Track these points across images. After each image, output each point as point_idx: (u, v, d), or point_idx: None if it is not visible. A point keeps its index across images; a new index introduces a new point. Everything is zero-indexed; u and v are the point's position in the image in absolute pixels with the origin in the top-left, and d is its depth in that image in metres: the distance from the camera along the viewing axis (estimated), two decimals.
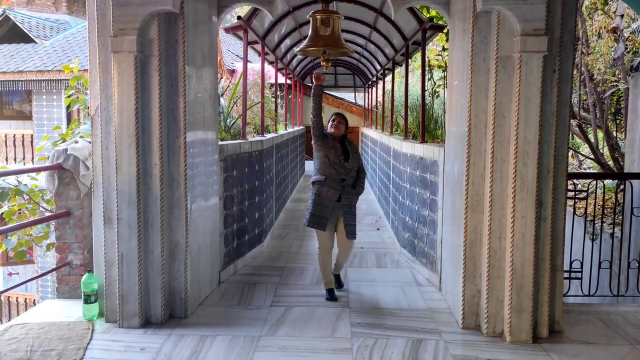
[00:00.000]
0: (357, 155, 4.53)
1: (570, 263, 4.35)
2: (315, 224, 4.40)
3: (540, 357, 3.42)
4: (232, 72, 14.77)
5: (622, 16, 6.69)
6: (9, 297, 12.45)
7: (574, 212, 4.95)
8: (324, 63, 4.39)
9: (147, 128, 3.74)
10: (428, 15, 6.76)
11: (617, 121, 8.66)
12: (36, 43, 15.07)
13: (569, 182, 4.04)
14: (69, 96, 6.26)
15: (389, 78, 10.76)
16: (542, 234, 3.61)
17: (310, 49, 4.28)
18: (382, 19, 6.94)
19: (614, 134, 8.18)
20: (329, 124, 4.48)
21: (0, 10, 15.29)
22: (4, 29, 15.59)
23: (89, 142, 4.17)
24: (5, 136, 13.57)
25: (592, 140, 7.70)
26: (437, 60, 8.64)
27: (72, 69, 6.42)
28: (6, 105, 15.15)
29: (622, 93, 7.49)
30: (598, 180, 5.02)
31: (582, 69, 7.66)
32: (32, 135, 13.85)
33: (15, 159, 13.29)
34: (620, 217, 5.54)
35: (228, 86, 9.70)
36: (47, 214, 5.87)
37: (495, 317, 3.70)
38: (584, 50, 7.61)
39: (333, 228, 4.49)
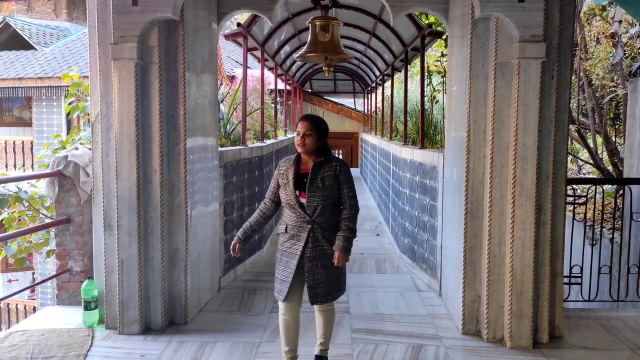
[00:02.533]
0: (328, 181, 3.01)
1: (570, 268, 4.35)
2: (276, 292, 3.23)
3: None
4: (232, 78, 14.81)
5: (620, 22, 6.73)
6: (8, 304, 12.42)
7: (574, 217, 4.96)
8: (326, 68, 4.43)
9: (147, 135, 3.75)
10: (427, 22, 6.79)
11: (616, 126, 8.68)
12: (36, 50, 15.12)
13: (568, 187, 4.05)
14: (69, 104, 6.28)
15: (388, 84, 10.80)
16: (542, 239, 3.62)
17: (310, 55, 4.30)
18: (381, 25, 6.97)
19: (613, 139, 8.19)
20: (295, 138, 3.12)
21: (1, 18, 15.35)
22: (4, 36, 15.64)
23: (89, 149, 4.18)
24: (5, 143, 13.58)
25: (591, 145, 7.72)
26: (436, 66, 8.67)
27: (72, 77, 6.44)
28: (6, 112, 15.18)
29: (620, 98, 7.51)
30: (597, 186, 5.03)
31: (581, 74, 7.69)
32: (32, 142, 13.86)
33: (15, 166, 13.30)
34: (620, 222, 5.54)
35: (228, 92, 9.72)
36: (47, 220, 5.87)
37: (496, 322, 3.70)
38: (583, 56, 7.64)
39: (300, 294, 3.22)
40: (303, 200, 3.01)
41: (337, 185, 3.03)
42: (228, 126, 7.46)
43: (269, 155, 7.11)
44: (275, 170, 3.19)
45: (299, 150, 3.04)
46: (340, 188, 3.05)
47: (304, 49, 4.40)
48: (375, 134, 11.89)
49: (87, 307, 3.92)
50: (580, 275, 4.44)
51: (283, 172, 3.10)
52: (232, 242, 3.25)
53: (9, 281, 13.78)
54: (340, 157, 19.74)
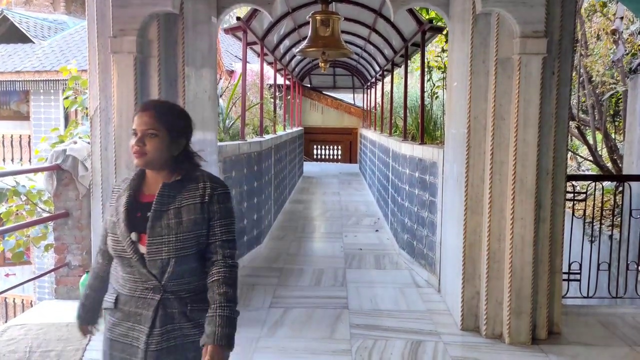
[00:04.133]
0: (188, 214, 1.80)
1: (569, 265, 4.35)
2: None
3: (539, 358, 3.43)
4: (231, 72, 14.76)
5: (621, 18, 6.71)
6: (5, 298, 12.42)
7: (573, 214, 4.96)
8: (322, 64, 4.41)
9: None
10: (427, 17, 6.77)
11: (616, 123, 8.68)
12: (34, 43, 15.04)
13: (568, 183, 4.05)
14: (67, 97, 6.25)
15: (388, 79, 10.78)
16: (541, 236, 3.62)
17: (310, 49, 4.29)
18: (382, 20, 6.94)
19: (613, 135, 8.19)
20: None
21: None
22: (2, 29, 15.56)
23: (88, 143, 4.16)
24: (3, 137, 13.53)
25: (591, 142, 7.72)
26: (437, 61, 8.66)
27: (69, 70, 6.41)
28: (3, 105, 15.12)
29: (620, 95, 7.50)
30: (597, 182, 5.02)
31: (581, 70, 7.68)
32: (29, 136, 13.81)
33: (12, 160, 13.25)
34: (619, 219, 5.54)
35: (227, 87, 9.69)
36: (45, 214, 5.86)
37: (494, 318, 3.70)
38: (583, 52, 7.63)
39: None
40: (143, 250, 1.76)
41: (206, 221, 1.81)
42: (227, 121, 7.44)
43: (268, 151, 7.10)
44: (114, 199, 1.91)
45: (137, 162, 1.80)
46: (211, 226, 1.82)
47: (304, 43, 4.38)
48: (375, 129, 11.88)
49: None
50: (579, 272, 4.44)
51: (114, 203, 1.87)
52: (79, 325, 2.01)
53: (7, 275, 13.77)
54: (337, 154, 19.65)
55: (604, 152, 7.87)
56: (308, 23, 4.61)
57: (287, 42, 8.74)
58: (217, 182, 1.89)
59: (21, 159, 13.28)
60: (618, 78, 7.24)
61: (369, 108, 14.42)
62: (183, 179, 1.85)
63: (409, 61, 8.09)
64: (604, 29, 7.70)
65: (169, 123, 1.81)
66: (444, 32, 6.51)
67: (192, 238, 1.78)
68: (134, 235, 1.76)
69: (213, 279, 1.83)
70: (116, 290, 1.84)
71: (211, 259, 1.84)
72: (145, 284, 1.77)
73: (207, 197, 1.82)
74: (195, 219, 1.79)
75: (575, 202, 4.67)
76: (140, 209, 1.81)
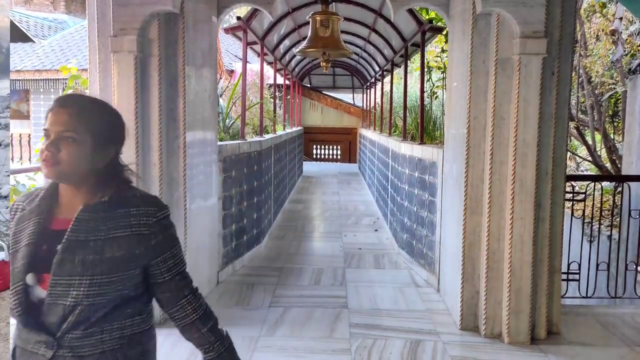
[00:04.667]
0: (116, 250, 1.36)
1: (568, 265, 4.36)
2: None
3: (538, 358, 3.43)
4: (231, 72, 14.77)
5: (621, 19, 6.72)
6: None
7: (572, 214, 4.97)
8: (324, 64, 4.42)
9: (147, 128, 3.74)
10: (427, 17, 6.78)
11: (615, 123, 8.69)
12: (34, 42, 15.06)
13: (567, 184, 4.06)
14: None
15: (387, 79, 10.78)
16: (541, 236, 3.62)
17: (310, 50, 4.30)
18: (381, 20, 6.95)
19: (612, 136, 8.21)
20: None
21: None
22: None
23: None
24: None
25: (590, 142, 7.73)
26: (436, 61, 8.66)
27: (69, 70, 6.41)
28: None
29: (620, 95, 7.52)
30: (596, 182, 5.04)
31: (580, 71, 7.69)
32: (29, 135, 13.81)
33: (12, 159, 13.26)
34: (618, 219, 5.55)
35: (227, 86, 9.71)
36: None
37: (494, 318, 3.71)
38: (582, 53, 7.64)
39: None
40: (42, 294, 1.35)
41: (142, 258, 1.42)
42: (227, 120, 7.45)
43: (268, 150, 7.10)
44: (12, 220, 1.46)
45: (46, 173, 1.37)
46: (159, 261, 1.46)
47: (304, 44, 4.39)
48: (374, 129, 11.88)
49: None
50: (578, 271, 4.45)
51: (14, 226, 1.43)
52: None
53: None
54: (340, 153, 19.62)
55: (603, 153, 7.89)
56: (308, 23, 4.63)
57: (287, 42, 8.75)
58: (156, 205, 1.48)
59: (21, 158, 13.28)
60: (617, 78, 7.25)
61: (368, 108, 14.43)
62: (110, 201, 1.41)
63: (408, 61, 8.10)
64: (603, 30, 7.72)
65: (93, 124, 1.39)
66: (444, 32, 6.52)
67: (114, 282, 1.34)
68: (30, 278, 1.33)
69: (191, 318, 1.49)
70: (14, 341, 1.40)
71: (177, 297, 1.49)
72: (38, 335, 1.33)
73: (144, 228, 1.41)
74: (122, 257, 1.36)
75: (574, 202, 4.68)
76: (48, 240, 1.36)
